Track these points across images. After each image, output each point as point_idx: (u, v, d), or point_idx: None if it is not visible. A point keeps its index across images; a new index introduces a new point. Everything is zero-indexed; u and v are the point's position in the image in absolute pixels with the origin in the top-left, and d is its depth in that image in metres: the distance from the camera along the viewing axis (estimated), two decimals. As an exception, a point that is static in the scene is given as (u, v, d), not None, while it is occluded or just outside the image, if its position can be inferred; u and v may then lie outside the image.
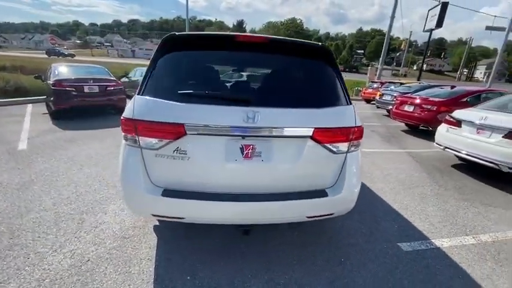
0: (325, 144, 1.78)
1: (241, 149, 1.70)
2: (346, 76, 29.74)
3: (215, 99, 1.72)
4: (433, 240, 2.40)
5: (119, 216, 2.46)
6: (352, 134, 1.82)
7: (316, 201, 1.79)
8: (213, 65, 1.93)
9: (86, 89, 6.15)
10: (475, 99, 6.31)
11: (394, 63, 66.80)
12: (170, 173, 1.75)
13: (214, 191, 1.76)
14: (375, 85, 14.17)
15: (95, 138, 4.89)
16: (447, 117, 4.54)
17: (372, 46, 66.44)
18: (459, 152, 4.10)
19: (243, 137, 1.68)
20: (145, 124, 1.66)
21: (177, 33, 1.82)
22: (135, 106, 1.69)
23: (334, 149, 1.80)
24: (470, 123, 4.04)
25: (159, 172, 1.73)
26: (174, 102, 1.66)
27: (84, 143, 4.59)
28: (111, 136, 5.09)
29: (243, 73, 1.94)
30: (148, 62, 1.92)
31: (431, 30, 17.55)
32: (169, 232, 2.26)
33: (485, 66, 57.21)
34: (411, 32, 42.10)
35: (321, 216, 1.87)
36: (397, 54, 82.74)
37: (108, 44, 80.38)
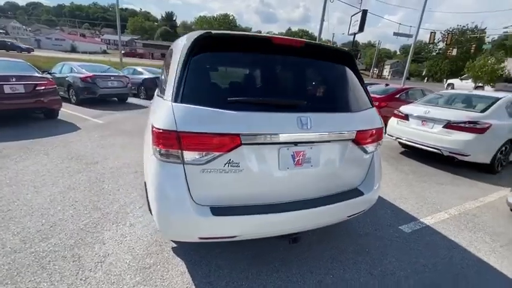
0: (362, 146, 1.88)
1: (293, 156, 1.65)
2: None
3: (267, 105, 1.62)
4: (421, 220, 2.81)
5: (124, 244, 2.08)
6: (379, 134, 1.98)
7: (355, 200, 1.88)
8: (252, 69, 1.80)
9: (7, 89, 4.88)
10: (405, 95, 7.54)
11: None
12: (218, 189, 1.58)
13: (266, 203, 1.67)
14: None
15: (34, 150, 3.95)
16: (396, 112, 5.30)
17: (300, 45, 71.62)
18: (409, 141, 4.86)
19: (296, 143, 1.64)
20: (193, 136, 1.45)
21: (213, 32, 1.63)
22: (176, 115, 1.45)
23: (367, 149, 1.92)
24: (416, 117, 4.83)
25: (205, 189, 1.54)
26: (226, 111, 1.49)
27: (23, 158, 3.66)
28: (58, 146, 4.20)
29: (283, 77, 1.86)
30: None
31: (354, 34, 19.99)
32: (194, 252, 2.03)
33: (389, 65, 68.62)
34: (333, 34, 46.98)
35: (357, 213, 1.98)
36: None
37: (1, 31, 64.68)
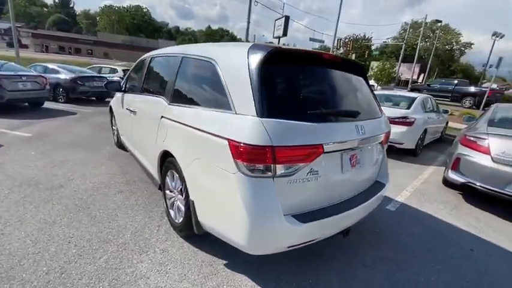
0: (383, 145, 2.27)
1: (350, 160, 1.88)
2: None
3: (336, 115, 1.77)
4: (397, 199, 3.49)
5: (171, 273, 1.87)
6: (389, 134, 2.41)
7: (382, 192, 2.25)
8: (313, 81, 1.89)
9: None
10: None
11: None
12: (300, 197, 1.66)
13: (333, 203, 1.84)
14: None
15: None
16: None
17: (222, 44, 72.16)
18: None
19: (353, 148, 1.86)
20: (286, 150, 1.49)
21: (282, 47, 1.67)
22: (268, 130, 1.46)
23: (384, 147, 2.33)
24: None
25: (289, 199, 1.61)
26: (308, 123, 1.59)
27: None
28: None
29: (336, 88, 2.02)
30: None
31: (279, 38, 21.56)
32: (247, 263, 2.01)
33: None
34: (255, 35, 49.16)
35: (380, 202, 2.36)
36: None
37: None
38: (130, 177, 3.43)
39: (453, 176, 3.55)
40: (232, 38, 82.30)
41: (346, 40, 39.98)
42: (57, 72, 8.90)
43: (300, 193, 1.64)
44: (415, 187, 3.99)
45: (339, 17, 17.77)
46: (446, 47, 49.51)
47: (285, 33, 20.33)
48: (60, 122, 6.12)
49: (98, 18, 66.52)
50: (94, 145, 4.61)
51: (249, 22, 21.10)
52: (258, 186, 1.51)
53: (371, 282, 1.97)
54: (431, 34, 49.76)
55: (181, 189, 2.15)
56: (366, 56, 36.80)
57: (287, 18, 20.09)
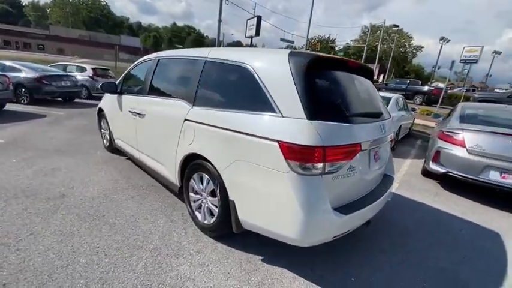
0: (391, 141, 2.54)
1: (374, 156, 2.10)
2: None
3: (367, 116, 1.97)
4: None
5: (215, 272, 1.92)
6: None
7: (393, 184, 2.52)
8: (344, 85, 2.03)
9: None
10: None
11: None
12: (339, 192, 1.83)
13: (361, 196, 2.04)
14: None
15: None
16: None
17: (189, 43, 70.17)
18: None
19: (377, 145, 2.08)
20: (334, 149, 1.65)
21: (321, 55, 1.81)
22: (319, 132, 1.60)
23: (391, 143, 2.61)
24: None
25: (332, 194, 1.76)
26: (348, 124, 1.75)
27: None
28: None
29: (361, 91, 2.19)
30: None
31: (251, 37, 21.72)
32: (281, 256, 2.13)
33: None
34: (224, 34, 48.66)
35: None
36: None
37: None
38: (135, 182, 3.32)
39: (434, 167, 4.02)
40: (200, 36, 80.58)
41: (313, 41, 41.69)
42: (18, 70, 8.05)
43: (340, 188, 1.81)
44: (399, 179, 4.43)
45: (310, 19, 18.49)
46: (401, 49, 53.96)
47: (257, 33, 20.56)
48: (31, 126, 5.59)
49: (48, 10, 60.42)
50: (81, 150, 4.33)
51: (220, 21, 20.96)
52: (310, 183, 1.64)
53: (391, 264, 2.22)
54: (388, 37, 53.95)
55: (213, 191, 2.19)
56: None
57: (259, 18, 20.34)
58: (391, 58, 41.83)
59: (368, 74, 2.43)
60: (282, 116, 1.71)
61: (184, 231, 2.39)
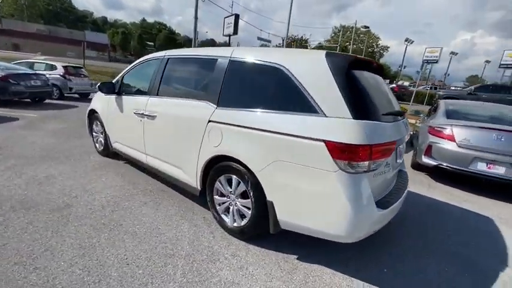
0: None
1: (399, 152, 2.20)
2: None
3: (395, 115, 2.05)
4: (388, 184, 4.07)
5: (257, 273, 1.90)
6: None
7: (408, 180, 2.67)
8: (371, 85, 2.08)
9: None
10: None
11: None
12: (377, 187, 1.90)
13: (390, 190, 2.14)
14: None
15: None
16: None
17: (160, 39, 67.58)
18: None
19: (401, 142, 2.19)
20: (378, 147, 1.71)
21: (357, 56, 1.86)
22: (366, 131, 1.65)
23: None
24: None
25: (373, 189, 1.83)
26: (385, 123, 1.83)
27: None
28: None
29: (383, 91, 2.26)
30: None
31: (229, 36, 21.50)
32: (315, 253, 2.16)
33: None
34: (198, 31, 47.59)
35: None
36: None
37: None
38: (143, 187, 3.16)
39: (426, 160, 4.32)
40: (171, 33, 78.00)
41: (289, 40, 42.42)
42: (-22, 68, 7.22)
43: (378, 184, 1.88)
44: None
45: (289, 19, 18.75)
46: (369, 49, 56.82)
47: (235, 32, 20.40)
48: (5, 131, 5.05)
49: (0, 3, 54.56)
50: (72, 156, 4.01)
51: (196, 18, 20.52)
52: (357, 181, 1.68)
53: (413, 249, 2.35)
54: (357, 38, 56.53)
55: (243, 193, 2.16)
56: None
57: (237, 17, 20.21)
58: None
59: (382, 74, 2.55)
60: (326, 116, 1.73)
61: (212, 236, 2.33)
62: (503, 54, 34.93)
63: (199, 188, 2.53)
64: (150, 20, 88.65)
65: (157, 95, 2.90)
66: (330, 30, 62.98)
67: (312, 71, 1.86)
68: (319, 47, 60.47)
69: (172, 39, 74.45)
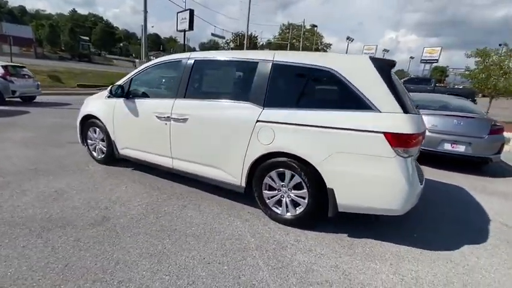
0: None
1: (416, 138, 2.68)
2: (90, 67, 25.52)
3: (416, 108, 2.49)
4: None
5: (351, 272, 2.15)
6: None
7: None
8: (400, 83, 2.44)
9: None
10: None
11: (133, 55, 66.88)
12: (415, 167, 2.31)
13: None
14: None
15: None
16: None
17: (97, 33, 60.85)
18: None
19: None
20: (421, 135, 2.13)
21: (391, 59, 2.23)
22: (414, 122, 2.04)
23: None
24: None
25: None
26: (416, 115, 2.24)
27: None
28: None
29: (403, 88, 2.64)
30: None
31: (184, 31, 20.75)
32: (363, 232, 2.51)
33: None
34: (142, 25, 44.26)
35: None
36: (121, 44, 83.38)
37: None
38: (172, 191, 3.11)
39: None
40: (109, 27, 70.91)
41: (239, 36, 42.71)
42: None
43: (415, 164, 2.30)
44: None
45: (248, 18, 18.92)
46: (314, 46, 60.64)
47: (191, 27, 19.90)
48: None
49: None
50: (66, 167, 3.64)
51: (145, 11, 19.32)
52: (408, 164, 2.06)
53: (422, 224, 2.88)
54: (303, 35, 59.76)
55: (297, 184, 2.38)
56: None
57: (192, 12, 19.73)
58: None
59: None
60: (380, 112, 2.06)
61: (268, 227, 2.49)
62: (423, 51, 41.01)
63: (243, 185, 2.65)
64: (82, 11, 78.93)
65: (184, 97, 2.88)
66: (275, 26, 65.11)
67: (362, 73, 2.17)
68: (269, 43, 62.24)
69: (110, 33, 67.90)
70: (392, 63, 2.19)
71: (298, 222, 2.48)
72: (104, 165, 3.81)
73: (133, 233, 2.28)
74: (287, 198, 2.49)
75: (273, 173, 2.48)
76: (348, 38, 36.45)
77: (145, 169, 3.67)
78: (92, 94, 4.50)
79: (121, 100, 3.34)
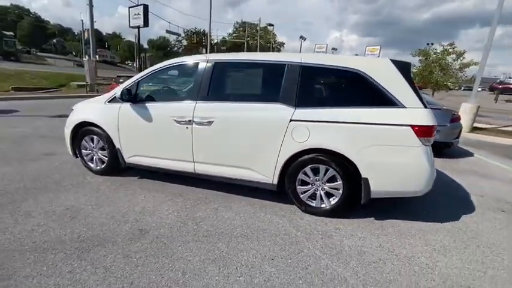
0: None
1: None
2: (22, 67, 22.43)
3: None
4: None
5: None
6: None
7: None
8: None
9: None
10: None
11: (73, 53, 59.44)
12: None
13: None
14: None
15: None
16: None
17: (24, 28, 52.68)
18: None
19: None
20: (436, 126, 2.49)
21: (409, 62, 2.55)
22: (432, 116, 2.40)
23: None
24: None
25: (429, 155, 2.62)
26: (431, 109, 2.62)
27: None
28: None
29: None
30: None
31: (138, 27, 19.38)
32: (387, 213, 2.82)
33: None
34: (82, 20, 39.75)
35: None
36: (55, 40, 73.89)
37: None
38: (194, 196, 3.05)
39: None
40: (39, 20, 62.11)
41: (189, 33, 41.68)
42: None
43: (426, 152, 2.69)
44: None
45: (210, 18, 18.49)
46: (268, 44, 62.12)
47: (146, 23, 18.80)
48: None
49: None
50: (60, 182, 3.27)
51: (91, 6, 17.58)
52: (429, 151, 2.42)
53: (423, 202, 3.35)
54: (256, 33, 60.75)
55: (331, 178, 2.59)
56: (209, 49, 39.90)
57: (146, 7, 18.67)
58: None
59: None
60: (405, 107, 2.37)
61: (306, 220, 2.64)
62: (365, 49, 45.12)
63: (275, 183, 2.76)
64: (1, 2, 67.54)
65: (207, 100, 2.85)
66: (229, 25, 64.92)
67: (386, 73, 2.45)
68: (223, 41, 61.74)
69: (40, 28, 59.65)
70: (408, 65, 2.53)
71: (332, 213, 2.68)
72: (103, 176, 3.50)
73: (182, 242, 2.22)
74: (321, 191, 2.67)
75: (307, 169, 2.64)
76: (301, 37, 38.31)
77: (152, 176, 3.50)
78: (37, 99, 4.05)
79: (127, 105, 3.12)
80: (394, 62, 2.48)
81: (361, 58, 2.93)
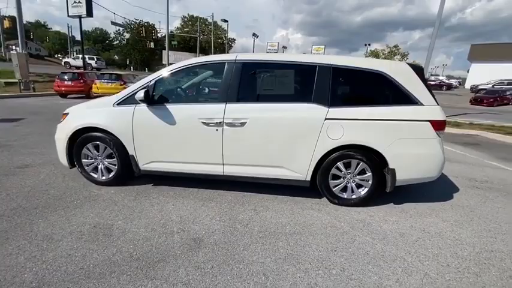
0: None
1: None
2: None
3: None
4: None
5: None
6: None
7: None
8: None
9: None
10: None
11: None
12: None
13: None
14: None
15: None
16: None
17: None
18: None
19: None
20: (446, 122, 2.92)
21: (422, 66, 2.92)
22: (443, 112, 2.81)
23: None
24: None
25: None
26: (439, 106, 3.04)
27: None
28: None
29: None
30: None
31: (80, 17, 17.16)
32: (404, 199, 3.19)
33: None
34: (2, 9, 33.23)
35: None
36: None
37: None
38: (226, 199, 2.99)
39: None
40: None
41: (138, 25, 38.56)
42: None
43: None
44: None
45: (168, 12, 17.31)
46: (219, 40, 61.24)
47: (89, 13, 16.92)
48: None
49: None
50: (66, 198, 2.86)
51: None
52: (441, 142, 2.83)
53: (419, 187, 3.88)
54: (206, 28, 59.35)
55: (361, 171, 2.83)
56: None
57: (89, -4, 16.54)
58: (212, 48, 47.36)
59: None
60: (423, 105, 2.73)
61: (341, 212, 2.84)
62: (311, 48, 48.03)
63: (308, 179, 2.89)
64: None
65: (238, 101, 2.81)
66: (175, 17, 62.00)
67: (406, 75, 2.76)
68: (171, 35, 58.63)
69: None
70: (422, 68, 2.90)
71: (362, 202, 2.93)
72: (109, 186, 3.15)
73: (243, 246, 2.20)
74: (352, 184, 2.90)
75: (340, 164, 2.83)
76: (253, 35, 38.83)
77: (166, 182, 3.30)
78: None
79: (143, 107, 2.87)
80: (411, 65, 2.83)
81: (384, 61, 3.22)
